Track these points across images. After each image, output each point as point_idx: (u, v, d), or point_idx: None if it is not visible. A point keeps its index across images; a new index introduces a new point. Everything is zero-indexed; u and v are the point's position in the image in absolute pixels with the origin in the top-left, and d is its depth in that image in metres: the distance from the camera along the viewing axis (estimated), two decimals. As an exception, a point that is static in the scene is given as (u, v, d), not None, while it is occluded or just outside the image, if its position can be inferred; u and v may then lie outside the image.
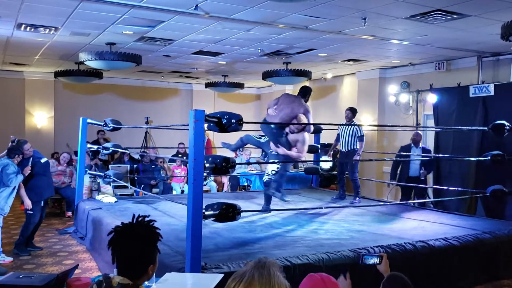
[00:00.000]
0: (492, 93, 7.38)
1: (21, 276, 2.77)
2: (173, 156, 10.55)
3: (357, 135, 7.03)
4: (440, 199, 7.53)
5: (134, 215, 1.95)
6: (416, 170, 7.67)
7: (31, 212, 5.86)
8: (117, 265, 1.91)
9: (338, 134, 7.35)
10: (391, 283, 2.26)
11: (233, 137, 9.44)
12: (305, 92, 6.33)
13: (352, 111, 7.20)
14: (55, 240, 6.53)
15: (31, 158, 5.83)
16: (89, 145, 7.77)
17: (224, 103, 13.47)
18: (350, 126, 7.00)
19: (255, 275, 1.40)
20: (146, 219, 1.95)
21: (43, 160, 6.04)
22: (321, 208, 5.48)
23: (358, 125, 7.41)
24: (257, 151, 11.68)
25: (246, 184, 9.87)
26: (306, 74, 8.86)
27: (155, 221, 1.98)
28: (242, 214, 4.15)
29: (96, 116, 8.07)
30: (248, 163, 9.88)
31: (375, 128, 9.84)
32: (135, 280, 1.87)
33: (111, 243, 1.90)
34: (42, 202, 6.03)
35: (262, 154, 6.53)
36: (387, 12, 5.47)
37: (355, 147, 7.06)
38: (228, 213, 3.88)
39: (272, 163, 5.81)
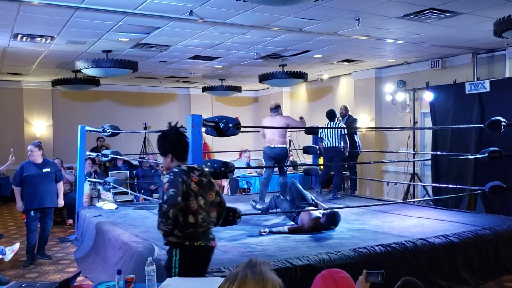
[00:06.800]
0: (488, 90, 7.41)
1: (23, 285, 2.78)
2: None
3: (341, 133, 7.51)
4: (439, 197, 7.55)
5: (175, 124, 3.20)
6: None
7: (25, 220, 5.98)
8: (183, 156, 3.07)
9: (321, 137, 7.74)
10: None
11: (231, 141, 9.51)
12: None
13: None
14: (57, 248, 6.55)
15: (35, 164, 5.88)
16: (88, 153, 7.78)
17: (221, 106, 13.50)
18: (335, 125, 7.54)
19: (247, 274, 1.42)
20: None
21: (45, 170, 6.02)
22: (320, 209, 5.49)
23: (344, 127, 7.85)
24: (256, 154, 11.68)
25: (246, 186, 9.89)
26: (302, 75, 8.90)
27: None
28: (243, 216, 4.18)
29: (94, 123, 8.10)
30: (247, 167, 9.90)
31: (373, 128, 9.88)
32: None
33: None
34: (32, 212, 5.89)
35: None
36: (380, 12, 5.51)
37: (340, 145, 7.48)
38: (228, 217, 3.90)
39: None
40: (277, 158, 6.63)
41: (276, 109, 6.85)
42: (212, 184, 3.13)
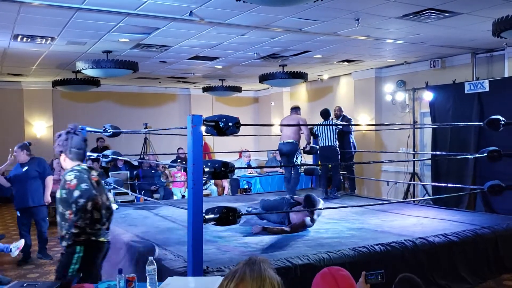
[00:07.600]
0: (487, 89, 7.43)
1: (25, 285, 2.79)
2: (173, 161, 10.59)
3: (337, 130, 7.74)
4: (439, 196, 7.56)
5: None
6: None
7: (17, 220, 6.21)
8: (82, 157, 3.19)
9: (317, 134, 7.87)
10: (403, 284, 2.27)
11: (231, 141, 9.47)
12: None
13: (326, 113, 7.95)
14: (58, 248, 6.56)
15: (23, 164, 6.01)
16: (89, 153, 7.78)
17: (222, 106, 13.52)
18: (330, 124, 7.70)
19: (246, 271, 1.44)
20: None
21: (24, 169, 6.06)
22: (321, 209, 5.50)
23: (337, 124, 8.05)
24: (257, 154, 11.68)
25: (246, 186, 9.91)
26: (302, 76, 8.91)
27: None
28: (243, 216, 4.18)
29: (95, 124, 8.07)
30: (248, 167, 9.92)
31: (373, 127, 9.90)
32: None
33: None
34: (18, 212, 6.03)
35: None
36: (380, 12, 5.53)
37: (335, 144, 7.60)
38: (228, 216, 3.90)
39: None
40: (287, 152, 6.94)
41: (295, 109, 7.53)
42: (104, 188, 3.22)
